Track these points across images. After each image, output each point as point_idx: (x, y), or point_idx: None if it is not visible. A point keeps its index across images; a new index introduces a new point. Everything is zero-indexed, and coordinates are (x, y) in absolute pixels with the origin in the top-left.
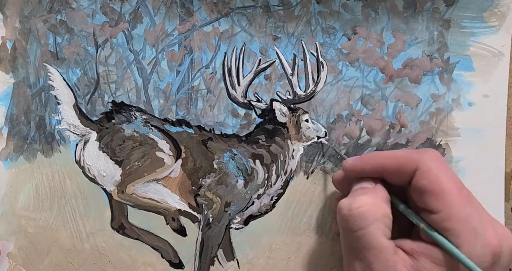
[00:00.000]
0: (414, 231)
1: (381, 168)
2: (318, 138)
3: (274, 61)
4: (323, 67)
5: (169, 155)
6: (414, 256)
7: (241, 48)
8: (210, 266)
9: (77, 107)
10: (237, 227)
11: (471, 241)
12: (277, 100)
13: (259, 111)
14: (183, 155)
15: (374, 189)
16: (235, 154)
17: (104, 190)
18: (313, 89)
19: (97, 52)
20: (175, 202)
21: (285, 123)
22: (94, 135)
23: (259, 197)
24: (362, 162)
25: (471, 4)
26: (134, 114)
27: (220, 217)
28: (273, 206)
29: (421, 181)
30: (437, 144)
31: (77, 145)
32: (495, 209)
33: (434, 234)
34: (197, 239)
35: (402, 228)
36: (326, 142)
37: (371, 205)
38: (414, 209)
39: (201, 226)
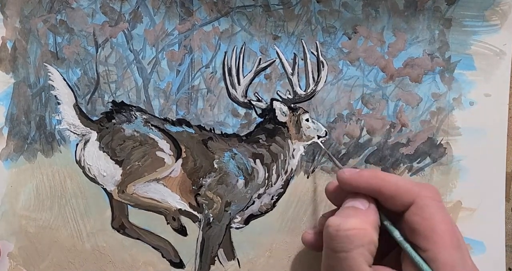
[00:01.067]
0: (392, 257)
1: (378, 191)
2: (319, 137)
3: (274, 60)
4: (323, 67)
5: (170, 155)
6: None
7: (241, 48)
8: (211, 266)
9: (77, 107)
10: (238, 226)
11: None
12: (278, 100)
13: (259, 111)
14: (184, 155)
15: (366, 212)
16: (235, 154)
17: (105, 189)
18: (314, 88)
19: (97, 52)
20: (176, 201)
21: (285, 122)
22: (94, 135)
23: (259, 196)
24: (359, 178)
25: (472, 3)
26: (134, 114)
27: (220, 217)
28: (274, 205)
29: (415, 216)
30: (438, 143)
31: (77, 144)
32: (495, 208)
33: (420, 262)
34: (197, 238)
35: (382, 248)
36: (323, 146)
37: (359, 230)
38: (403, 235)
39: (201, 226)
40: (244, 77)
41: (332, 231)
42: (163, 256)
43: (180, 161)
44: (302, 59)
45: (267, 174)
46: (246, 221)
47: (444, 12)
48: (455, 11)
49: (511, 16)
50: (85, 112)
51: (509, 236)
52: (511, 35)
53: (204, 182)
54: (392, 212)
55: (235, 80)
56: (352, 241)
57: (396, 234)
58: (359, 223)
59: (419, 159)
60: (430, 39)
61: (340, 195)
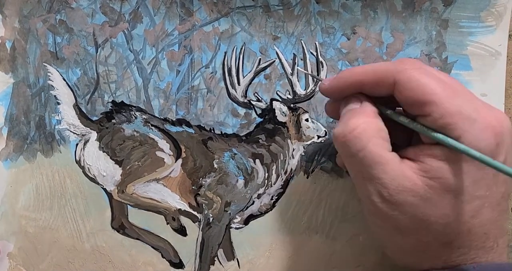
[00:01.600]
0: (414, 138)
1: (359, 84)
2: (318, 137)
3: (274, 60)
4: (322, 67)
5: (169, 155)
6: (419, 160)
7: (241, 48)
8: (211, 266)
9: (77, 107)
10: (238, 226)
11: (469, 129)
12: (277, 100)
13: (259, 111)
14: (183, 155)
15: (361, 108)
16: (235, 154)
17: (104, 189)
18: (313, 88)
19: (97, 52)
20: (175, 201)
21: (285, 122)
22: (94, 135)
23: (259, 196)
24: (338, 81)
25: (469, 4)
26: (134, 114)
27: (220, 217)
28: (273, 205)
29: (403, 92)
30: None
31: (77, 144)
32: None
33: (430, 133)
34: (197, 238)
35: (402, 140)
36: (301, 69)
37: (362, 124)
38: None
39: (201, 226)
40: (244, 77)
41: (340, 140)
42: (162, 256)
43: (180, 161)
44: (301, 60)
45: (266, 174)
46: (246, 221)
47: (441, 13)
48: (452, 12)
49: (506, 17)
50: (85, 112)
51: (509, 236)
52: (506, 36)
53: (204, 182)
54: (387, 102)
55: (235, 81)
56: (361, 138)
57: (402, 119)
58: (359, 119)
59: None
60: (428, 40)
61: (337, 108)
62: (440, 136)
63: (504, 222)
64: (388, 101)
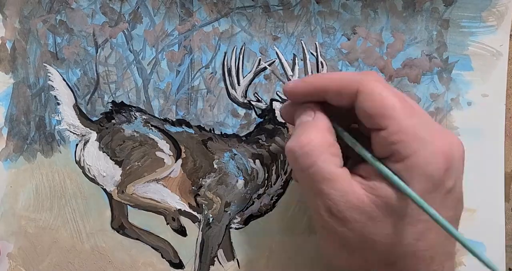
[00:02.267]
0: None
1: (323, 90)
2: None
3: (274, 61)
4: (322, 67)
5: (169, 155)
6: (369, 177)
7: (241, 48)
8: (211, 266)
9: (77, 107)
10: (237, 227)
11: (420, 150)
12: (277, 100)
13: (259, 111)
14: (183, 155)
15: (314, 121)
16: (235, 154)
17: (104, 190)
18: None
19: (97, 53)
20: (175, 202)
21: (285, 123)
22: (94, 135)
23: (259, 197)
24: (303, 84)
25: (470, 4)
26: (134, 114)
27: (220, 217)
28: (273, 206)
29: (364, 102)
30: None
31: (77, 145)
32: (495, 209)
33: (373, 161)
34: (197, 239)
35: (355, 155)
36: (268, 66)
37: (314, 140)
38: (363, 130)
39: (201, 226)
40: (243, 77)
41: (292, 155)
42: (162, 257)
43: (179, 161)
44: (301, 60)
45: (266, 174)
46: (246, 222)
47: (442, 13)
48: (453, 12)
49: (508, 17)
50: (85, 112)
51: (509, 236)
52: (507, 36)
53: (203, 182)
54: (346, 112)
55: (235, 81)
56: (311, 154)
57: (347, 139)
58: (310, 136)
59: None
60: (428, 40)
61: (293, 113)
62: (381, 167)
63: (451, 246)
64: (347, 115)
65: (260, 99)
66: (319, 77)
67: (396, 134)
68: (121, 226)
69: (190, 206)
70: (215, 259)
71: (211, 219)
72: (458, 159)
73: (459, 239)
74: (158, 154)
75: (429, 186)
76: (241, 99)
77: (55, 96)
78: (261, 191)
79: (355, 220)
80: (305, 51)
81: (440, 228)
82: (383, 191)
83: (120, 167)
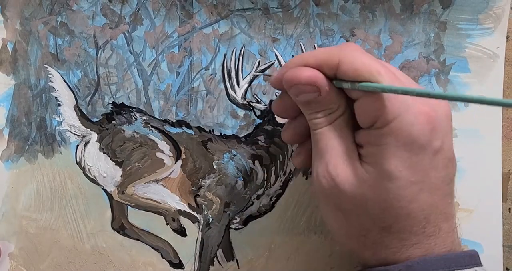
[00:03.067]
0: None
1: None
2: None
3: (273, 62)
4: None
5: (169, 156)
6: (361, 145)
7: (241, 50)
8: (210, 266)
9: (77, 108)
10: (237, 227)
11: (403, 113)
12: None
13: (258, 113)
14: (183, 156)
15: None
16: (234, 155)
17: (105, 190)
18: None
19: (97, 54)
20: (175, 202)
21: (284, 124)
22: (94, 136)
23: (258, 197)
24: (286, 69)
25: (467, 7)
26: (134, 115)
27: (219, 218)
28: (273, 206)
29: (347, 72)
30: None
31: (77, 146)
32: (492, 209)
33: (355, 85)
34: (197, 239)
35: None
36: (260, 74)
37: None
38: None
39: (201, 226)
40: (243, 79)
41: (326, 185)
42: (162, 257)
43: (179, 162)
44: None
45: (266, 175)
46: (245, 222)
47: (440, 15)
48: (450, 15)
49: (504, 19)
50: (85, 113)
51: (506, 236)
52: (504, 38)
53: (203, 183)
54: None
55: (235, 82)
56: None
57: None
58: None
59: None
60: (426, 42)
61: (287, 106)
62: (364, 84)
63: (447, 207)
64: None
65: (259, 100)
66: (300, 57)
67: (379, 100)
68: (121, 226)
69: (190, 207)
70: (215, 259)
71: (210, 220)
72: (443, 118)
73: (442, 96)
74: (158, 154)
75: (415, 147)
76: (240, 101)
77: (56, 97)
78: (260, 191)
79: (349, 184)
80: None
81: (434, 189)
82: (372, 157)
83: (120, 167)
